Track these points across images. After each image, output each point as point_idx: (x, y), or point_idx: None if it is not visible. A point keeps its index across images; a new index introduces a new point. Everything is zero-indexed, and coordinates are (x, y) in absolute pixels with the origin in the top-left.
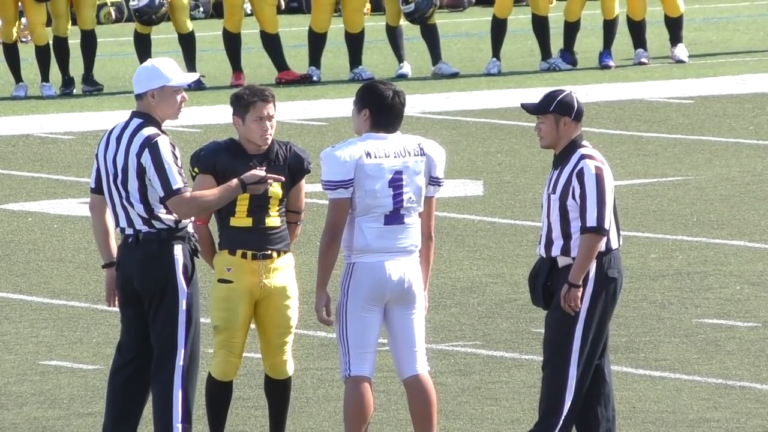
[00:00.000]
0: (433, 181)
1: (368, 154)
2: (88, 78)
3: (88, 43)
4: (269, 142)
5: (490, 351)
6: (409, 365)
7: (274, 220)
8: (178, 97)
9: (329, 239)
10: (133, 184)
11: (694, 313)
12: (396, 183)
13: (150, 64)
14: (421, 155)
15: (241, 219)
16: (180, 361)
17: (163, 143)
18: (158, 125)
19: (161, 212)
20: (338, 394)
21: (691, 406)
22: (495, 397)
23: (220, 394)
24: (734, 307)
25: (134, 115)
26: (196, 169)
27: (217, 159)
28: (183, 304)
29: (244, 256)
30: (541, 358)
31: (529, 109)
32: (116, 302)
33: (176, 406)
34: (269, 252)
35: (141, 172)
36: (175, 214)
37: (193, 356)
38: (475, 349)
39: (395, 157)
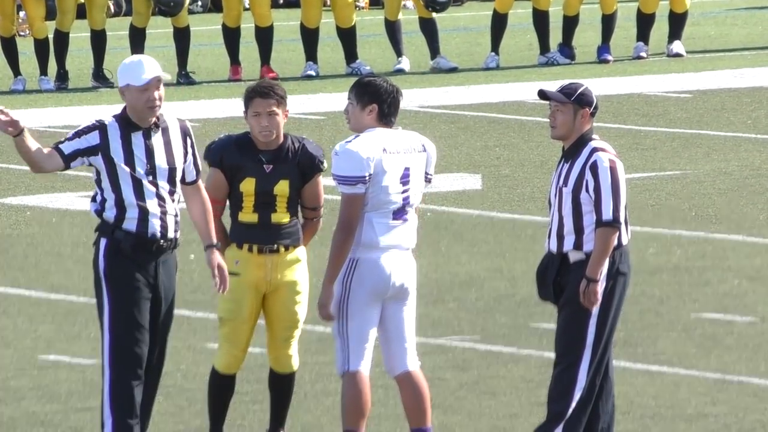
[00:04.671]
0: (427, 177)
1: (385, 149)
2: (98, 74)
3: (99, 41)
4: (271, 138)
5: (489, 346)
6: (400, 361)
7: (281, 216)
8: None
9: (345, 236)
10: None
11: (693, 307)
12: (405, 179)
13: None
14: (423, 151)
15: (247, 215)
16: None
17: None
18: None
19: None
20: (336, 389)
21: (689, 401)
22: (493, 391)
23: (222, 387)
24: (732, 301)
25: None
26: (206, 162)
27: (224, 153)
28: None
29: (250, 249)
30: (539, 353)
31: (550, 96)
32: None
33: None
34: (276, 246)
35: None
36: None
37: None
38: (474, 344)
39: (405, 152)
